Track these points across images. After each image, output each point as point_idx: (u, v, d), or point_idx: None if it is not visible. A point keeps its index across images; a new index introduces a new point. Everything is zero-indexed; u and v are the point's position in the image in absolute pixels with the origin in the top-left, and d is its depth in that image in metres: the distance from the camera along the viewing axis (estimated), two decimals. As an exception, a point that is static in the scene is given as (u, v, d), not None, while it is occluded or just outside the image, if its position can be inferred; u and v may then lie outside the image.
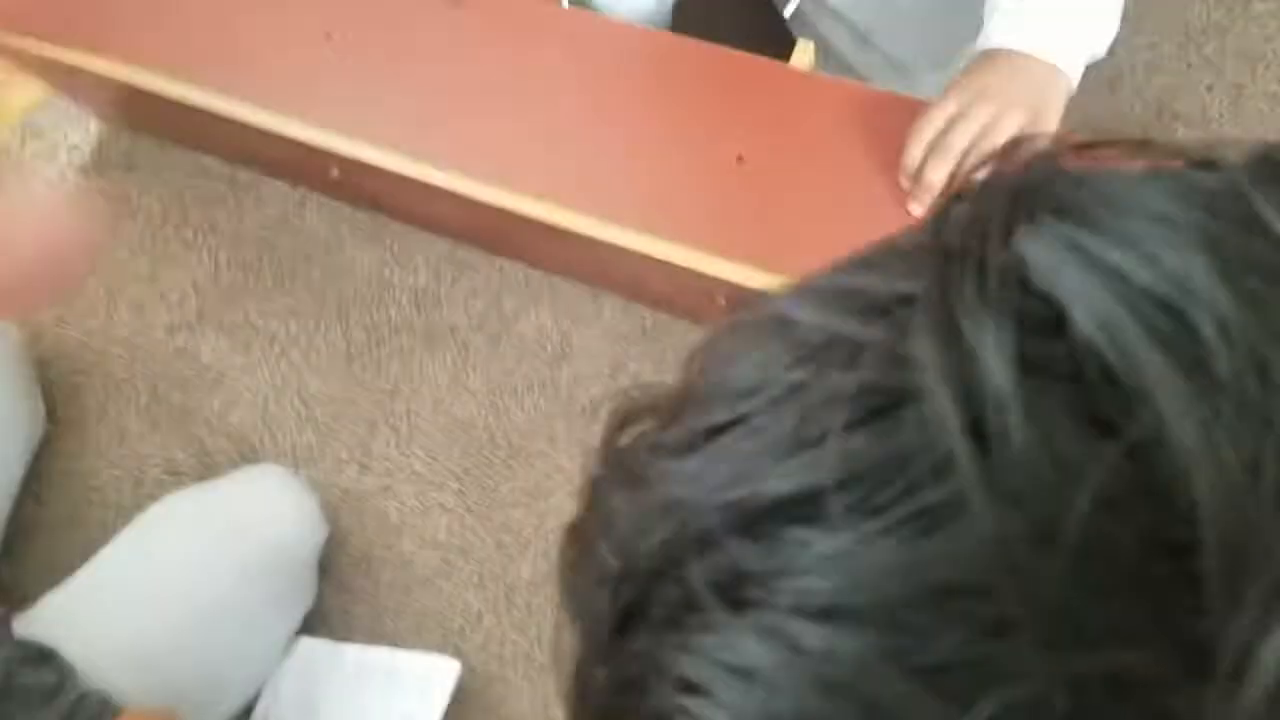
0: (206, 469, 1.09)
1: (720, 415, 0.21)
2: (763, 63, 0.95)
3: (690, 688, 0.19)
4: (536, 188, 0.96)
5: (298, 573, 0.98)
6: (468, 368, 1.12)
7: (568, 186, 0.95)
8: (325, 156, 1.04)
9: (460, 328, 1.14)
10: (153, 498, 1.01)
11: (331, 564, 1.04)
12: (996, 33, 0.83)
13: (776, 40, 1.08)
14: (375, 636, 1.00)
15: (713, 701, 0.19)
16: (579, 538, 0.24)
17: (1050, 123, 0.82)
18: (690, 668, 0.19)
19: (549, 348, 1.11)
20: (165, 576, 0.90)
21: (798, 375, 0.20)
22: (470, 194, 0.97)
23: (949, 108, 0.80)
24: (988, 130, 0.79)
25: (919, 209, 0.85)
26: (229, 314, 1.18)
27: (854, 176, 0.88)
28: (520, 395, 1.09)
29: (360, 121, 1.01)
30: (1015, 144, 0.22)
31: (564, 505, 1.04)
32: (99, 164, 1.28)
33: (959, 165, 0.81)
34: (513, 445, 1.07)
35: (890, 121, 0.89)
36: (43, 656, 0.82)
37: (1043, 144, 0.22)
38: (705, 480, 0.20)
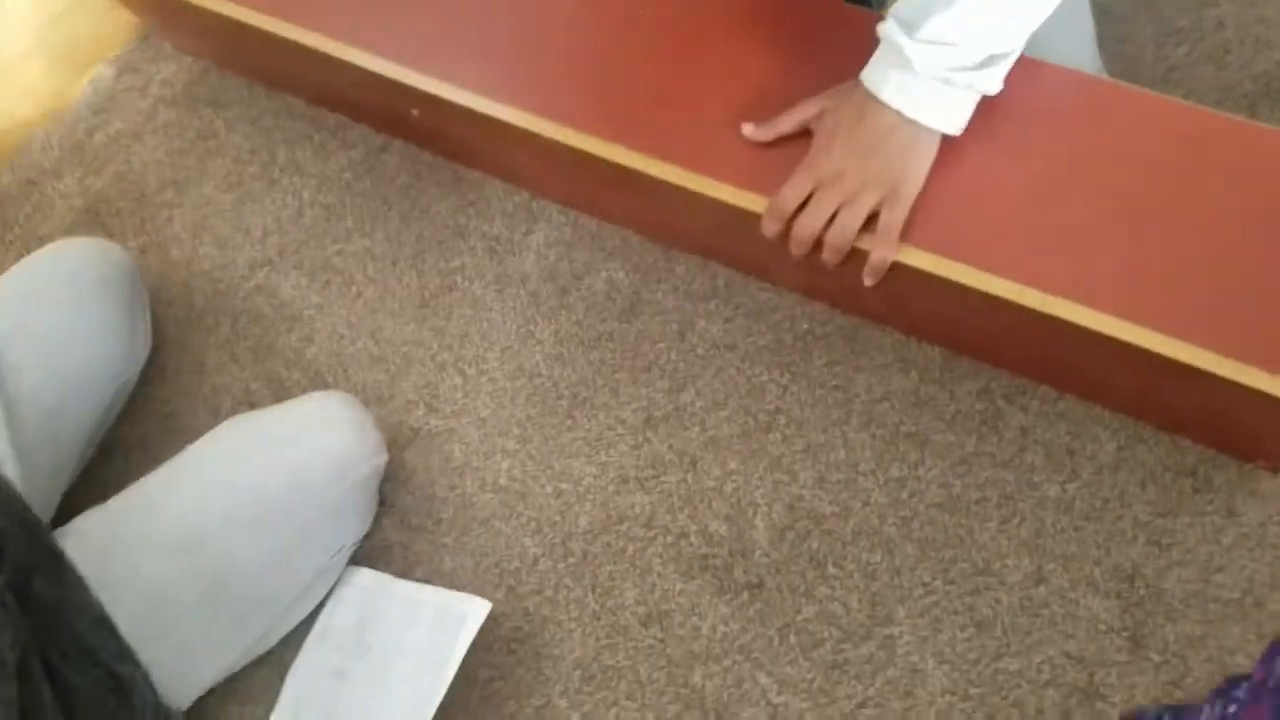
0: (280, 401, 1.11)
1: None
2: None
3: None
4: (609, 132, 0.96)
5: (354, 490, 0.97)
6: (537, 317, 1.12)
7: (640, 130, 0.95)
8: (406, 96, 1.05)
9: (531, 277, 1.14)
10: (226, 426, 1.03)
11: (394, 500, 1.05)
12: (878, 77, 0.82)
13: None
14: (433, 574, 1.01)
15: None
16: None
17: (910, 191, 0.84)
18: None
19: (618, 302, 1.11)
20: (215, 475, 0.91)
21: None
22: (553, 136, 0.97)
23: (804, 185, 0.85)
24: (842, 208, 0.84)
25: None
26: (309, 253, 1.20)
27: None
28: (587, 347, 1.09)
29: (443, 60, 1.02)
30: None
31: (624, 459, 1.03)
32: (189, 99, 1.32)
33: (810, 248, 0.87)
34: (576, 396, 1.07)
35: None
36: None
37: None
38: None
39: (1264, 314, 0.78)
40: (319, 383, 1.13)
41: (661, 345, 1.08)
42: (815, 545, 0.96)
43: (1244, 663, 0.84)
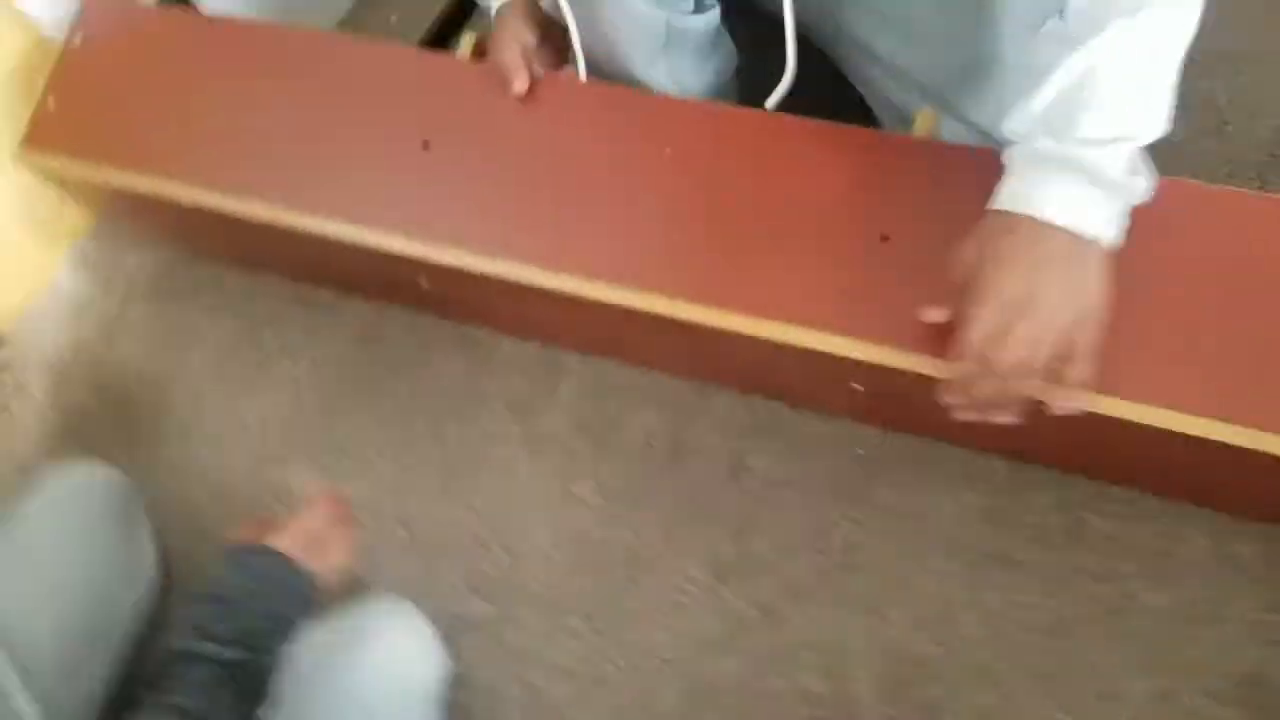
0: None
1: None
2: (884, 137, 0.92)
3: None
4: (651, 282, 0.91)
5: (424, 713, 0.90)
6: (576, 475, 1.05)
7: (685, 278, 0.91)
8: (415, 267, 0.99)
9: (562, 434, 1.08)
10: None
11: (455, 700, 0.97)
12: (1036, 196, 0.72)
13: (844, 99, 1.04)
14: (512, 780, 0.93)
15: None
16: None
17: (1098, 305, 0.73)
18: None
19: (660, 448, 1.05)
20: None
21: None
22: (582, 293, 0.92)
23: (985, 327, 0.72)
24: (1035, 349, 0.71)
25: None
26: (314, 439, 1.12)
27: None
28: (636, 501, 1.03)
29: (455, 228, 0.96)
30: None
31: (700, 620, 0.97)
32: (159, 292, 1.23)
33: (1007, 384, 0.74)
34: (636, 556, 1.01)
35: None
36: None
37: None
38: None
39: None
40: (348, 580, 1.04)
41: (714, 489, 1.03)
42: (924, 693, 0.91)
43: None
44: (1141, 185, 0.73)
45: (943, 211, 0.85)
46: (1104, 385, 0.78)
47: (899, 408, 0.97)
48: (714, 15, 0.97)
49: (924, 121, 0.92)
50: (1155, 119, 0.71)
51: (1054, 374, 0.73)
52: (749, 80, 1.05)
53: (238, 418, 1.14)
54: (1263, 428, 0.77)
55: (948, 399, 0.78)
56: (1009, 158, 0.75)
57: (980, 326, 0.72)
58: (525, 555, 1.03)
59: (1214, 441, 0.78)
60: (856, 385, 0.93)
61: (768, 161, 0.92)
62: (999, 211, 0.74)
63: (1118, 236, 0.73)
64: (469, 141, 0.98)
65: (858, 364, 0.87)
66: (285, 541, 0.86)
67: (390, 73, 1.02)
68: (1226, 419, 0.77)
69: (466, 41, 1.02)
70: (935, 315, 0.79)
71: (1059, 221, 0.71)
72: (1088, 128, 0.70)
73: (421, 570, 1.04)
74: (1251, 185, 1.06)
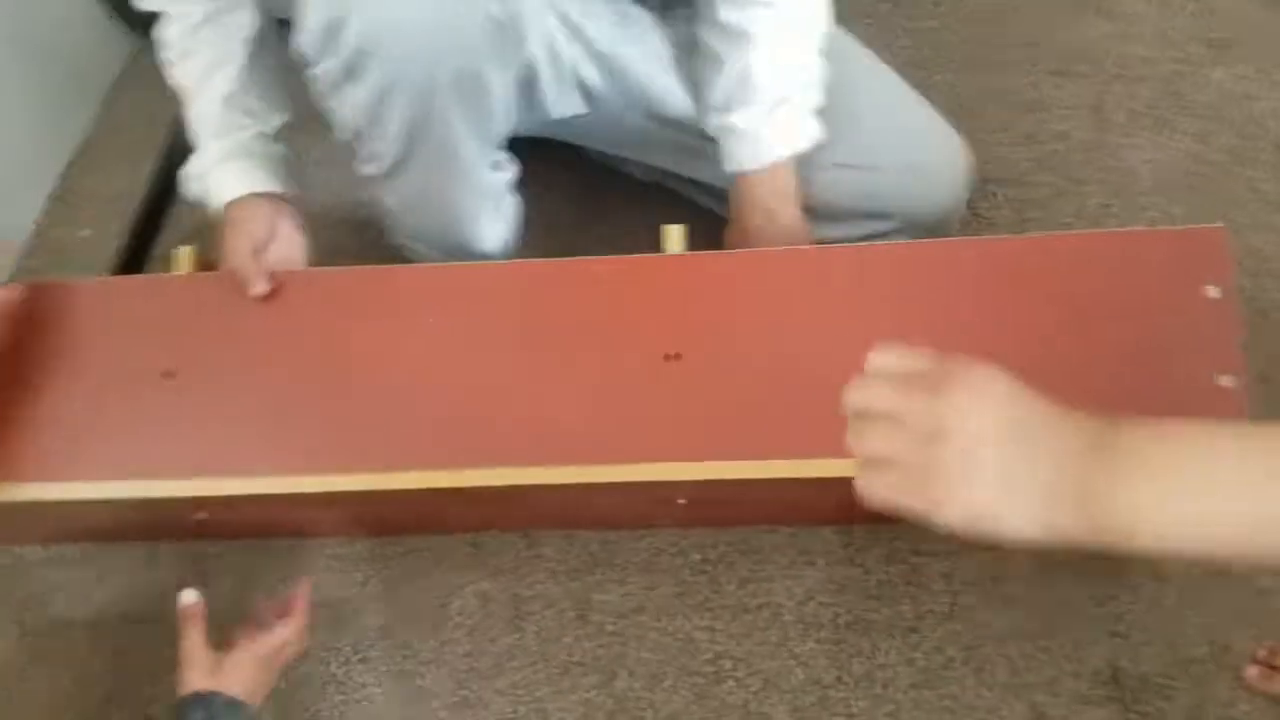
0: None
1: None
2: (650, 260, 0.92)
3: None
4: (459, 458, 0.86)
5: None
6: (419, 669, 0.98)
7: (478, 444, 0.87)
8: (190, 505, 0.90)
9: (393, 627, 1.00)
10: None
11: None
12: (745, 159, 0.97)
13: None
14: None
15: None
16: None
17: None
18: None
19: (499, 613, 1.00)
20: None
21: None
22: (390, 486, 0.86)
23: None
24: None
25: None
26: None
27: (790, 334, 0.86)
28: (490, 677, 0.97)
29: (220, 456, 0.87)
30: None
31: (591, 781, 0.93)
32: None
33: None
34: (505, 735, 0.95)
35: (790, 278, 0.88)
36: None
37: None
38: None
39: (1093, 396, 0.82)
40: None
41: (567, 639, 0.99)
42: (828, 781, 0.92)
43: (1246, 710, 0.89)
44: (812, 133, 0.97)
45: (725, 321, 0.87)
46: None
47: (725, 508, 0.98)
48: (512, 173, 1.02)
49: (672, 237, 0.94)
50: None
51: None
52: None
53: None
54: None
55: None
56: (720, 140, 0.98)
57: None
58: (386, 770, 0.95)
59: None
60: (681, 500, 0.93)
61: (532, 309, 0.90)
62: (738, 177, 0.98)
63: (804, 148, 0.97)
64: (215, 360, 0.90)
65: (681, 483, 0.86)
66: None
67: (117, 305, 0.93)
68: None
69: (184, 256, 0.94)
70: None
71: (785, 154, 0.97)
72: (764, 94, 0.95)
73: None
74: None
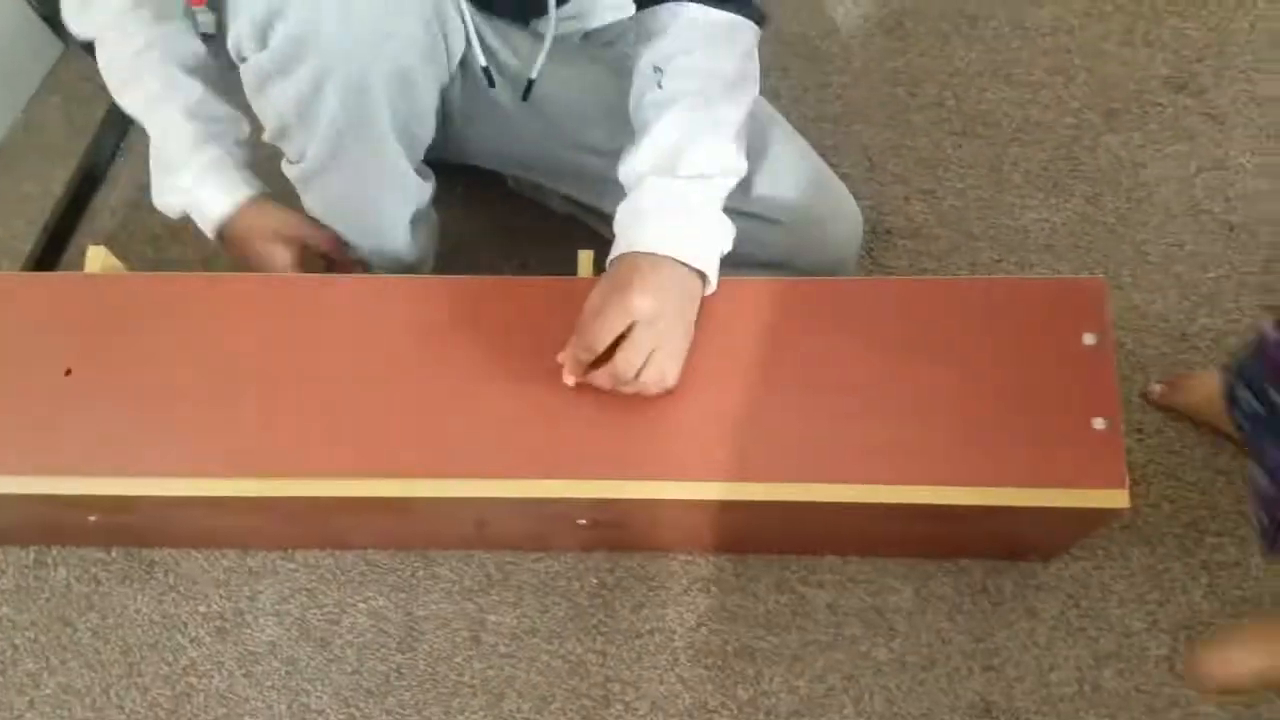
0: None
1: None
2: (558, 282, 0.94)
3: None
4: (352, 467, 0.87)
5: None
6: (306, 685, 0.98)
7: (383, 455, 0.87)
8: (80, 506, 0.89)
9: (281, 643, 1.00)
10: None
11: None
12: (649, 237, 0.85)
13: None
14: None
15: None
16: None
17: (690, 334, 0.87)
18: None
19: (392, 632, 1.00)
20: None
21: None
22: (287, 493, 0.86)
23: (619, 325, 0.82)
24: (657, 351, 0.83)
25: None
26: (-17, 722, 0.96)
27: (692, 361, 0.88)
28: (378, 696, 0.97)
29: (119, 455, 0.87)
30: None
31: (473, 800, 0.93)
32: None
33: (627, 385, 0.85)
34: (390, 754, 0.95)
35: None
36: None
37: None
38: None
39: (968, 438, 0.86)
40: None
41: (459, 660, 0.99)
42: (706, 807, 0.93)
43: (1109, 745, 0.93)
44: (729, 232, 0.88)
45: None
46: (789, 474, 0.85)
47: (623, 532, 0.99)
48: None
49: (585, 261, 0.96)
50: (735, 163, 0.89)
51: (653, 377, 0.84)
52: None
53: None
54: (917, 482, 0.85)
55: (572, 370, 0.86)
56: (619, 217, 0.88)
57: (608, 330, 0.82)
58: (267, 786, 0.94)
59: (883, 505, 0.85)
60: (581, 521, 0.95)
61: (444, 324, 0.91)
62: (618, 259, 0.86)
63: (714, 278, 0.87)
64: (115, 359, 0.89)
65: (581, 502, 0.88)
66: None
67: (19, 301, 0.92)
68: (891, 483, 0.85)
69: (96, 256, 0.94)
70: (571, 368, 0.86)
71: (670, 253, 0.84)
72: (688, 165, 0.86)
73: (148, 838, 0.91)
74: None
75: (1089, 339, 0.88)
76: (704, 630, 1.00)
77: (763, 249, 0.99)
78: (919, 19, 1.40)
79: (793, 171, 1.02)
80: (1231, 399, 0.90)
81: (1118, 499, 0.83)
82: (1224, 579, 1.00)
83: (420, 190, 0.99)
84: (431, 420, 0.87)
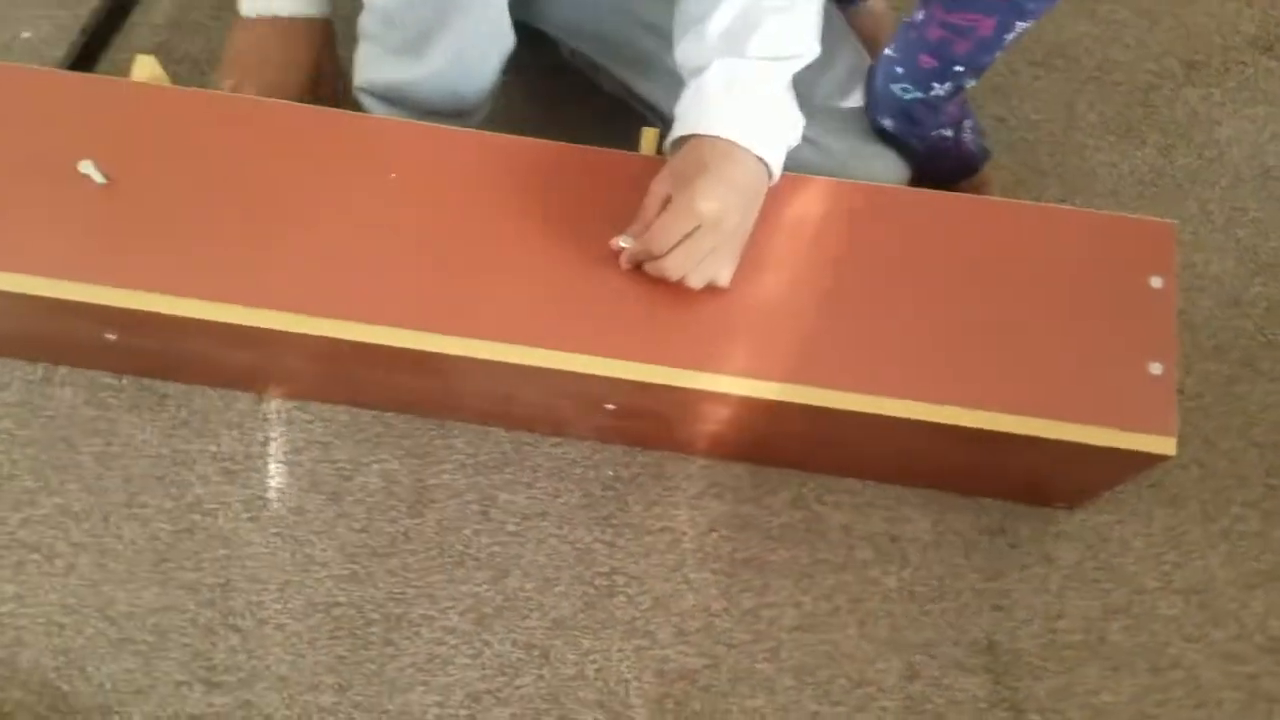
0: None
1: None
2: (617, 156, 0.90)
3: None
4: (380, 314, 0.83)
5: None
6: (311, 536, 0.96)
7: (422, 308, 0.84)
8: (99, 319, 0.85)
9: (290, 491, 0.98)
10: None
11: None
12: (717, 121, 0.81)
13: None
14: None
15: None
16: None
17: (751, 228, 0.84)
18: None
19: (402, 495, 0.98)
20: None
21: None
22: (311, 331, 0.83)
23: (686, 225, 0.78)
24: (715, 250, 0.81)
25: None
26: (-19, 533, 0.94)
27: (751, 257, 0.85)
28: (383, 556, 0.96)
29: (149, 270, 0.83)
30: None
31: (467, 673, 0.92)
32: None
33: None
34: (389, 617, 0.94)
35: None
36: None
37: None
38: None
39: (1019, 366, 0.84)
40: (50, 697, 0.89)
41: (467, 531, 0.98)
42: (698, 707, 0.92)
43: (1109, 700, 0.93)
44: (798, 122, 0.85)
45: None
46: (831, 380, 0.83)
47: (648, 424, 0.97)
48: None
49: (649, 139, 0.92)
50: (809, 43, 0.84)
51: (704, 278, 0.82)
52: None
53: None
54: (933, 400, 0.83)
55: (627, 258, 0.83)
56: (684, 96, 0.84)
57: (673, 233, 0.79)
58: (260, 633, 0.93)
59: (922, 423, 0.83)
60: (610, 405, 0.92)
61: (491, 182, 0.87)
62: (683, 141, 0.82)
63: (778, 171, 0.84)
64: (159, 174, 0.85)
65: (616, 383, 0.85)
66: None
67: (58, 99, 0.88)
68: (897, 395, 0.83)
69: (142, 65, 0.89)
70: (625, 241, 0.82)
71: (736, 138, 0.80)
72: (757, 45, 0.81)
73: (138, 666, 0.90)
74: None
75: (1155, 281, 0.86)
76: (714, 535, 0.99)
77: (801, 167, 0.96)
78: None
79: (849, 97, 0.98)
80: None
81: (1164, 445, 0.82)
82: (1244, 548, 0.99)
83: (508, 36, 0.94)
84: (474, 280, 0.84)
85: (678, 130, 0.84)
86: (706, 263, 0.81)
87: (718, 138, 0.80)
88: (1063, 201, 1.16)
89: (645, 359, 0.83)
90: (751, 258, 0.84)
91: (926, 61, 0.92)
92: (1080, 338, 0.84)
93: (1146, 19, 1.29)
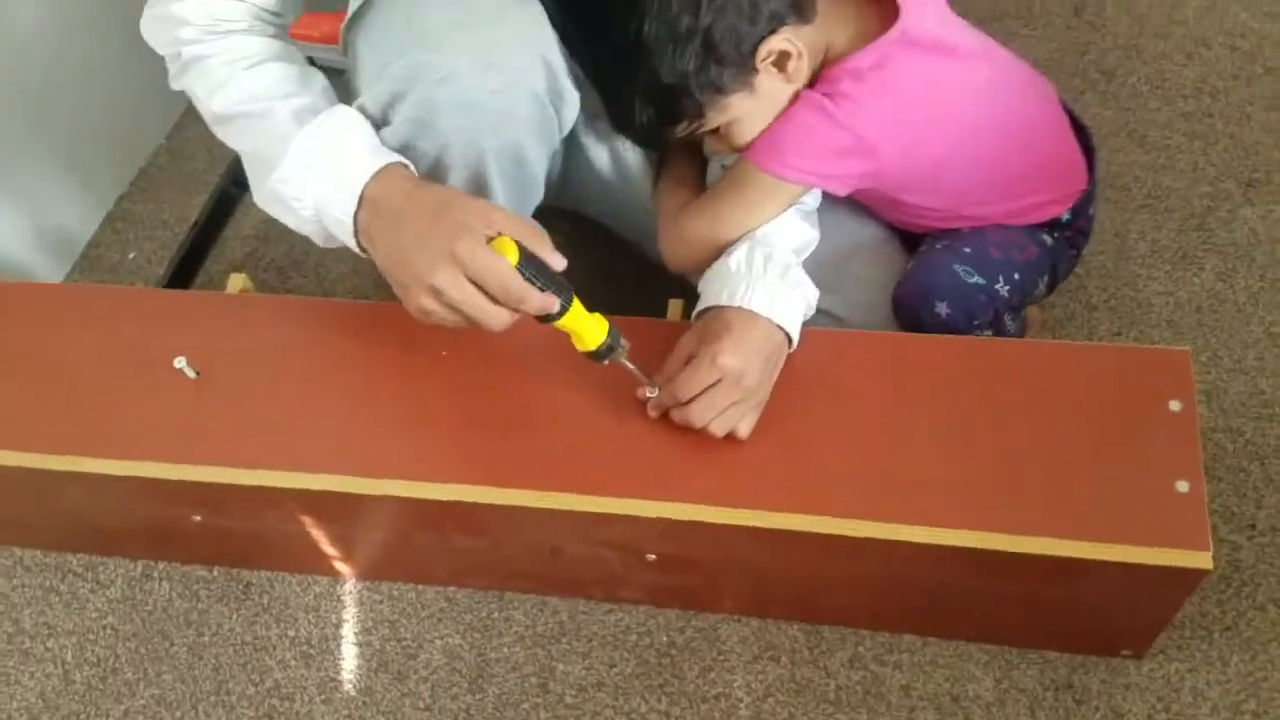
0: None
1: None
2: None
3: None
4: (444, 473, 0.90)
5: None
6: (379, 716, 1.01)
7: (468, 465, 0.91)
8: (186, 498, 0.95)
9: (360, 671, 1.03)
10: None
11: None
12: (741, 298, 0.88)
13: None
14: None
15: None
16: None
17: (770, 389, 0.90)
18: None
19: (464, 670, 1.02)
20: None
21: None
22: (368, 491, 0.90)
23: (709, 378, 0.85)
24: (734, 407, 0.87)
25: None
26: (88, 723, 1.03)
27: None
28: (446, 732, 1.00)
29: (232, 450, 0.93)
30: None
31: None
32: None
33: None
34: (452, 794, 0.97)
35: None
36: None
37: None
38: None
39: (1055, 494, 0.85)
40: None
41: (525, 706, 1.00)
42: None
43: None
44: (814, 295, 0.93)
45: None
46: (878, 513, 0.85)
47: (694, 580, 1.00)
48: None
49: (674, 310, 1.00)
50: (809, 238, 0.96)
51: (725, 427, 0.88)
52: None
53: (3, 713, 1.03)
54: (996, 529, 0.84)
55: (655, 405, 0.91)
56: (709, 273, 0.93)
57: (696, 383, 0.86)
58: (335, 812, 0.97)
59: (965, 550, 0.84)
60: (651, 556, 0.95)
61: (529, 351, 0.95)
62: (713, 308, 0.90)
63: (797, 338, 0.91)
64: (243, 368, 0.98)
65: (650, 524, 0.89)
66: None
67: (158, 310, 1.01)
68: (966, 526, 0.84)
69: (234, 282, 1.05)
70: (651, 391, 0.89)
71: (762, 311, 0.88)
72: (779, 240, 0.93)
73: None
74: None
75: (1174, 405, 0.88)
76: (771, 701, 0.98)
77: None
78: (1054, 71, 1.35)
79: (878, 277, 1.02)
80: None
81: (1200, 560, 0.81)
82: (1334, 698, 0.93)
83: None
84: (514, 436, 0.92)
85: (704, 304, 0.91)
86: (728, 414, 0.87)
87: (741, 308, 0.88)
88: (1116, 335, 1.14)
89: (673, 498, 0.88)
90: (776, 403, 0.90)
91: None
92: (1109, 463, 0.87)
93: (1200, 141, 1.28)
